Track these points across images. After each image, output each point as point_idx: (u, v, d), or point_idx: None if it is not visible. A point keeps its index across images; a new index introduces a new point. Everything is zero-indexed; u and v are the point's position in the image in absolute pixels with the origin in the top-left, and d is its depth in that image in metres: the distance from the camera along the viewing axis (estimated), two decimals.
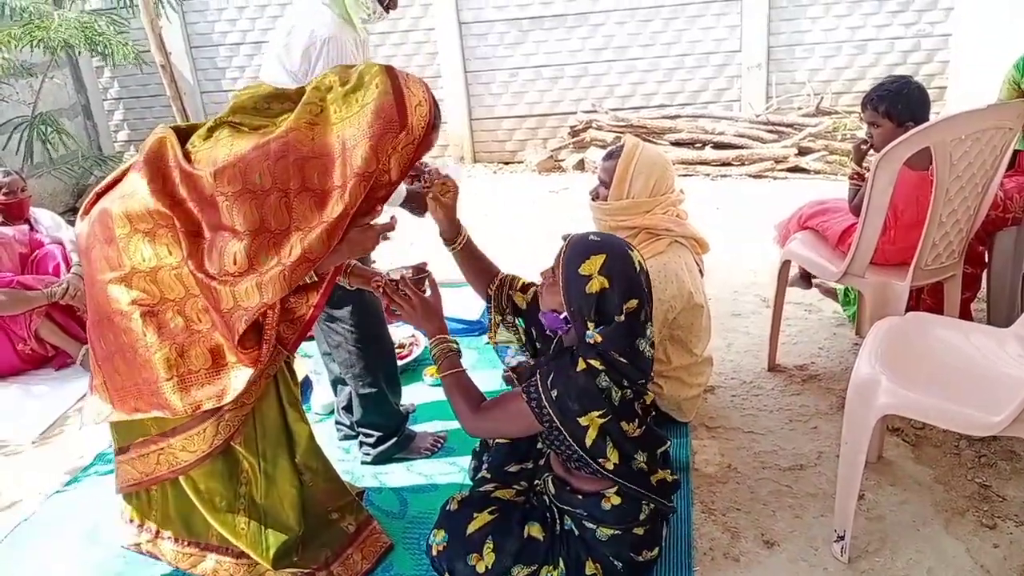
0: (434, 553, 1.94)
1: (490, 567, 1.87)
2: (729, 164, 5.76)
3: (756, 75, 6.13)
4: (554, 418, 1.78)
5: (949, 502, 2.24)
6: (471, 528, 1.93)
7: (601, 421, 1.76)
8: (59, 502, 2.62)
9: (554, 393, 1.77)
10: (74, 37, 5.12)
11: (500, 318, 2.18)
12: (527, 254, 4.50)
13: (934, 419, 1.85)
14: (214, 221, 1.65)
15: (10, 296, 3.33)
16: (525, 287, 2.16)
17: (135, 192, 1.71)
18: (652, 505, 1.89)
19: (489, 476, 2.21)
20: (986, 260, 2.75)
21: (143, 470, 1.91)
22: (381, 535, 2.19)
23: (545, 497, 2.05)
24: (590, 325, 1.78)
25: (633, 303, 1.76)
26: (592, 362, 1.75)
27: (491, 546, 1.89)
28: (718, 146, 5.87)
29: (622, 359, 1.77)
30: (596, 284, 1.74)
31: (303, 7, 2.42)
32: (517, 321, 2.18)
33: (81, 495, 2.65)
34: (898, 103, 2.46)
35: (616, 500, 1.89)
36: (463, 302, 3.65)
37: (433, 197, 2.04)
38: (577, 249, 1.80)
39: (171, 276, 1.70)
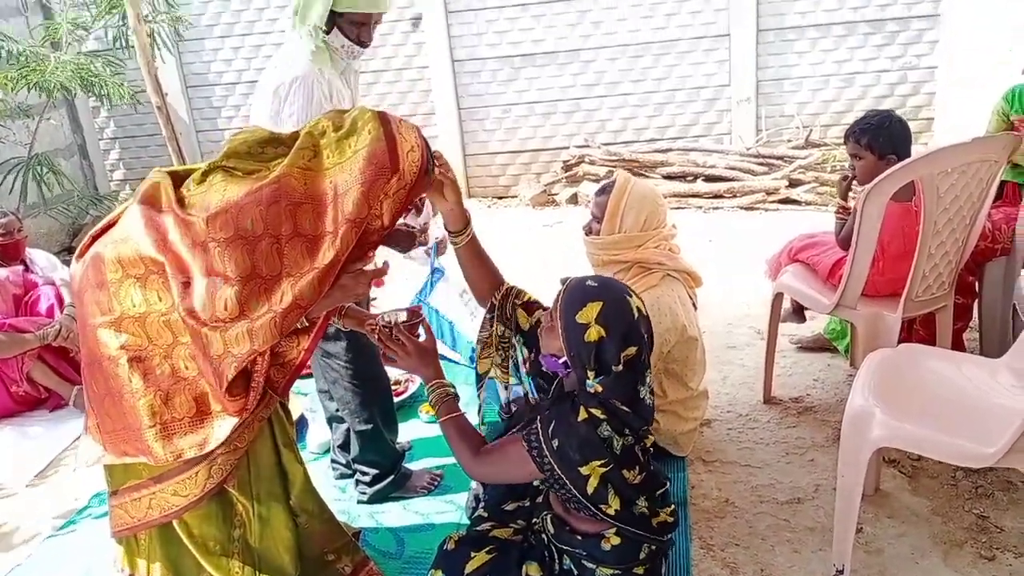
0: None
1: None
2: (721, 196, 5.81)
3: (745, 109, 6.21)
4: (555, 467, 1.76)
5: (947, 534, 2.24)
6: (469, 568, 1.90)
7: (603, 471, 1.74)
8: (54, 546, 2.60)
9: (555, 443, 1.75)
10: (70, 80, 5.18)
11: (501, 330, 2.13)
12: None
13: (928, 451, 1.85)
14: (206, 266, 1.65)
15: (2, 339, 3.32)
16: (530, 305, 2.11)
17: (128, 237, 1.71)
18: (653, 546, 1.88)
19: (486, 515, 2.19)
20: (977, 290, 2.78)
21: (135, 514, 1.89)
22: None
23: (544, 536, 2.04)
24: (590, 374, 1.76)
25: (632, 351, 1.74)
26: (594, 411, 1.74)
27: None
28: (709, 179, 5.93)
29: (624, 407, 1.76)
30: (594, 333, 1.73)
31: (285, 48, 2.44)
32: (516, 339, 2.14)
33: (76, 539, 2.63)
34: (880, 136, 2.51)
35: (616, 540, 1.88)
36: (468, 327, 3.67)
37: (440, 177, 1.91)
38: (575, 295, 1.78)
39: (160, 322, 1.70)
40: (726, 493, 2.50)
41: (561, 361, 1.84)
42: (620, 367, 1.73)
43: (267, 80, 2.37)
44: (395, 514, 2.55)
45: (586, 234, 2.56)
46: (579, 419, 1.74)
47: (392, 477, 2.61)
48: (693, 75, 6.27)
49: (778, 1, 6.01)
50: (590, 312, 1.73)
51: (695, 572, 2.19)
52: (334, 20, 2.31)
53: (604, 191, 2.49)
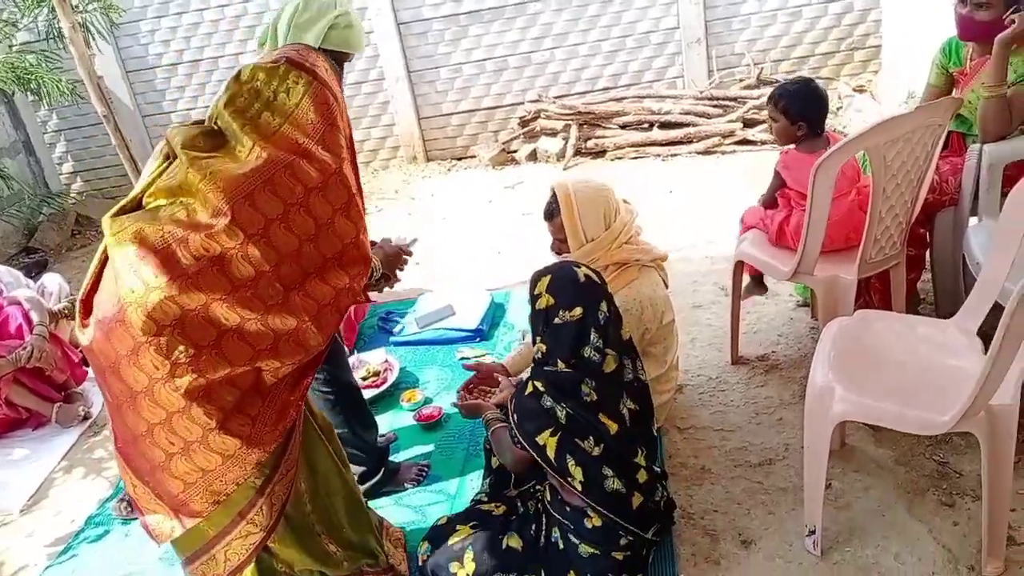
0: (419, 563, 2.14)
1: (471, 575, 2.03)
2: (678, 143, 5.84)
3: (696, 51, 6.19)
4: (522, 441, 1.95)
5: (910, 483, 2.38)
6: (453, 539, 2.11)
7: (554, 440, 1.92)
8: (55, 575, 2.65)
9: (515, 417, 1.98)
10: (3, 79, 5.01)
11: None
12: (487, 258, 4.57)
13: (887, 422, 1.96)
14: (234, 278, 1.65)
15: None
16: None
17: (144, 286, 1.61)
18: (630, 537, 1.99)
19: (486, 499, 2.34)
20: (928, 241, 2.87)
21: (216, 572, 1.87)
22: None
23: (540, 505, 2.17)
24: (538, 339, 1.98)
25: (578, 311, 1.93)
26: (536, 383, 1.95)
27: (471, 555, 2.05)
28: (665, 126, 5.95)
29: (566, 368, 1.92)
30: (544, 301, 1.96)
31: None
32: None
33: (75, 567, 2.67)
34: (793, 102, 2.66)
35: (597, 522, 2.00)
36: (462, 310, 3.74)
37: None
38: (532, 280, 2.02)
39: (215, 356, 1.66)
40: (702, 460, 2.62)
41: None
42: (561, 321, 1.92)
43: None
44: (388, 511, 2.62)
45: (557, 254, 2.59)
46: (526, 393, 1.96)
47: (380, 475, 2.69)
48: (641, 20, 6.21)
49: None
50: (542, 285, 1.98)
51: (678, 542, 2.31)
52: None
53: (552, 215, 2.53)
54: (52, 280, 4.03)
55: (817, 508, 2.14)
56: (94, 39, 5.64)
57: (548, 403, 1.92)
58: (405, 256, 2.24)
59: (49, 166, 6.83)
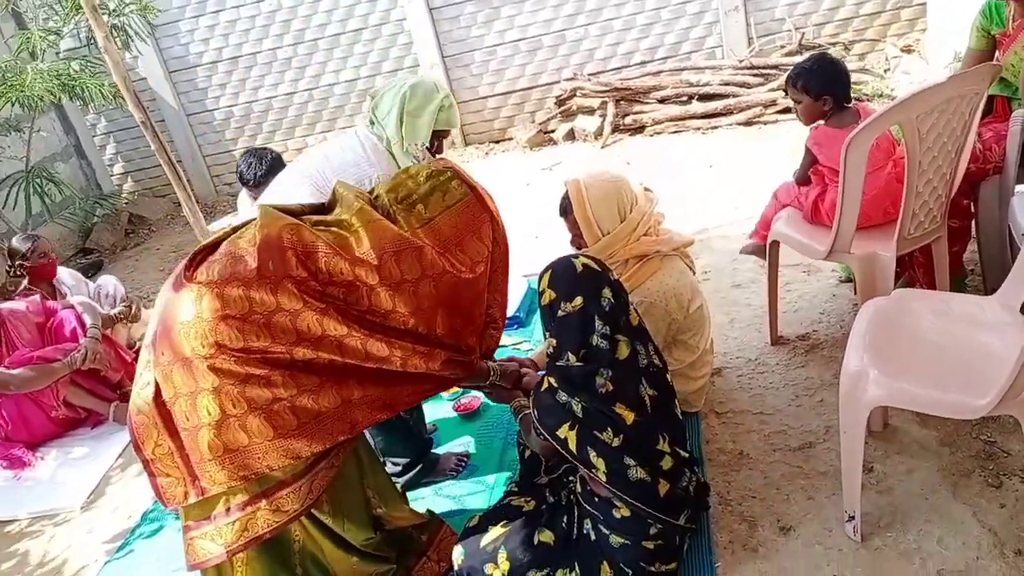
0: (455, 568, 2.14)
1: (506, 574, 2.04)
2: (718, 115, 5.73)
3: (735, 18, 6.04)
4: (544, 434, 1.97)
5: (955, 464, 2.31)
6: (485, 541, 2.12)
7: (573, 432, 1.92)
8: (115, 571, 2.76)
9: (535, 413, 1.99)
10: (50, 89, 5.17)
11: None
12: (525, 243, 4.56)
13: (924, 407, 1.91)
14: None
15: (34, 373, 3.45)
16: None
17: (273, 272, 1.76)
18: (660, 526, 1.98)
19: (516, 490, 2.35)
20: (972, 211, 2.77)
21: (222, 542, 1.89)
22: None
23: (572, 496, 2.17)
24: (548, 335, 2.00)
25: (578, 301, 1.94)
26: (550, 379, 1.96)
27: (504, 555, 2.06)
28: (704, 98, 5.83)
29: (577, 361, 1.92)
30: (547, 296, 1.98)
31: (356, 143, 2.59)
32: None
33: (132, 563, 2.77)
34: (812, 78, 2.61)
35: (626, 512, 2.00)
36: None
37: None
38: (538, 278, 2.04)
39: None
40: (740, 445, 2.59)
41: None
42: (564, 313, 1.93)
43: (341, 168, 2.50)
44: (428, 501, 2.67)
45: (576, 249, 2.57)
46: (542, 388, 1.98)
47: (422, 465, 2.73)
48: None
49: None
50: (544, 281, 2.00)
51: (715, 529, 2.29)
52: (435, 136, 2.61)
53: (566, 211, 2.52)
54: (108, 282, 4.20)
55: (856, 493, 2.10)
56: (132, 41, 5.76)
57: (563, 398, 1.93)
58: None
59: (100, 168, 7.03)
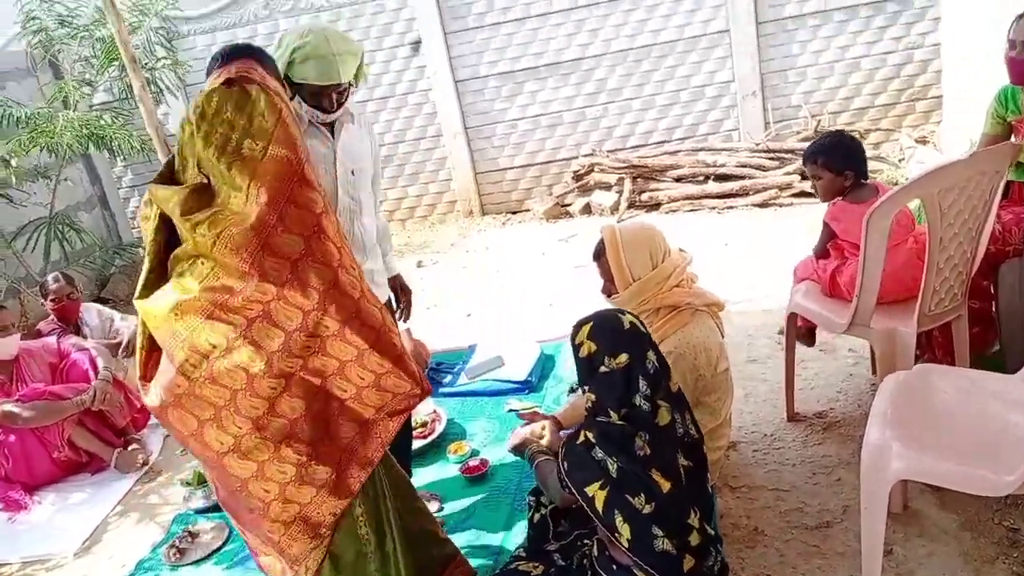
0: None
1: None
2: (734, 195, 5.80)
3: (752, 103, 6.18)
4: (570, 487, 1.91)
5: (978, 550, 2.24)
6: None
7: (603, 493, 1.85)
8: None
9: (565, 465, 1.92)
10: (78, 137, 5.28)
11: None
12: (539, 310, 4.57)
13: (948, 482, 1.86)
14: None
15: (43, 408, 3.43)
16: None
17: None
18: None
19: (524, 555, 2.28)
20: (992, 293, 2.76)
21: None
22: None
23: (586, 560, 2.10)
24: (587, 389, 1.92)
25: (623, 358, 1.88)
26: (588, 434, 1.89)
27: None
28: (720, 178, 5.91)
29: (619, 421, 1.86)
30: (586, 348, 1.92)
31: None
32: None
33: None
34: (834, 154, 2.64)
35: None
36: (511, 361, 3.75)
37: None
38: (573, 329, 1.98)
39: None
40: (755, 521, 2.52)
41: None
42: (607, 369, 1.87)
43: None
44: None
45: (607, 296, 2.57)
46: (578, 442, 1.90)
47: None
48: (695, 74, 6.25)
49: None
50: (583, 333, 1.93)
51: None
52: (294, 88, 2.25)
53: (599, 255, 2.53)
54: (126, 326, 4.22)
55: (875, 574, 2.03)
56: (163, 95, 5.91)
57: (599, 455, 1.86)
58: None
59: (123, 220, 7.13)
